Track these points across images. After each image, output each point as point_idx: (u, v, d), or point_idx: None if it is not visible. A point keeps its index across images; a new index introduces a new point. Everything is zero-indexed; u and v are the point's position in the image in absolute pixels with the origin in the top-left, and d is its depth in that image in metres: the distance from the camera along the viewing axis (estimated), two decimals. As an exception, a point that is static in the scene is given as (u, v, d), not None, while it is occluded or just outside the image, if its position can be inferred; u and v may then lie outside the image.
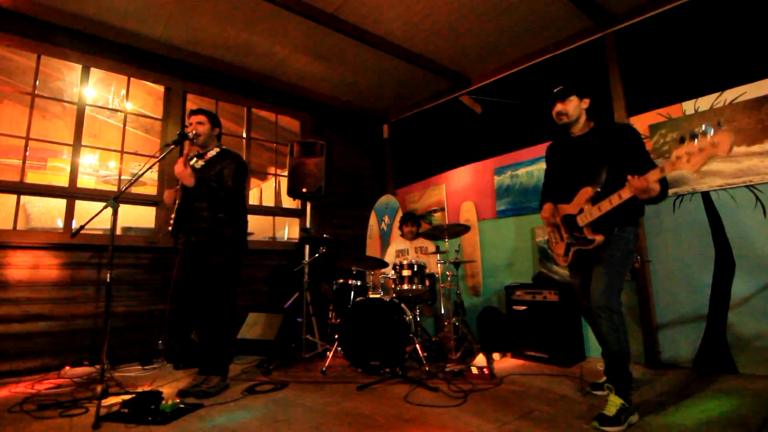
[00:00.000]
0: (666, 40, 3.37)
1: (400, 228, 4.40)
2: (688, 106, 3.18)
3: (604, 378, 2.34)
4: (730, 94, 2.99)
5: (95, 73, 3.95)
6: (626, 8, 3.55)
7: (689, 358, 2.99)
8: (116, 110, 5.32)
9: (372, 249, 5.24)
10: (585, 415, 2.12)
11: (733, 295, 2.86)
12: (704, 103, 3.11)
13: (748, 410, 2.11)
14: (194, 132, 2.79)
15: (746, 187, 2.87)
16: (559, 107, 2.31)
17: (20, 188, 3.44)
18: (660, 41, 3.40)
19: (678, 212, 3.15)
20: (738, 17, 3.03)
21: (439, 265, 3.71)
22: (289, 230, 6.31)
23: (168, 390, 2.62)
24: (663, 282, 3.19)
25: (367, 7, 3.58)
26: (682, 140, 3.07)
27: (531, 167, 4.09)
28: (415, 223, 4.36)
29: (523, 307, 3.50)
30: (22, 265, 3.25)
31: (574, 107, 2.29)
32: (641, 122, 3.40)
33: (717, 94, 3.05)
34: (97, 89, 5.11)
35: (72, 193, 3.59)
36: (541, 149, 4.04)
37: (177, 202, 2.74)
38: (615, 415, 1.95)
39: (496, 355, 3.54)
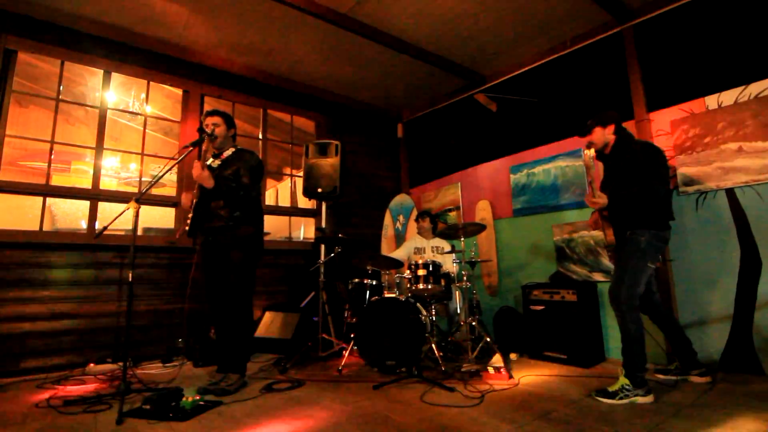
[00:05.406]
0: (687, 33, 3.28)
1: (416, 220, 4.37)
2: (711, 101, 3.09)
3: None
4: (755, 88, 2.90)
5: (116, 77, 4.04)
6: (645, 1, 3.47)
7: (714, 359, 2.91)
8: (136, 114, 5.43)
9: (387, 249, 5.23)
10: (604, 416, 2.09)
11: (760, 294, 2.77)
12: (728, 97, 3.02)
13: (777, 414, 2.05)
14: (212, 130, 2.84)
15: (773, 183, 2.77)
16: (587, 138, 2.77)
17: (46, 190, 3.54)
18: (680, 34, 3.31)
19: (701, 210, 3.06)
20: (762, 7, 2.93)
21: (455, 264, 3.69)
22: (305, 230, 6.35)
23: (188, 387, 2.66)
24: (686, 281, 3.12)
25: (380, 7, 3.58)
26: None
27: (548, 165, 4.03)
28: (431, 220, 4.34)
29: (541, 307, 3.46)
30: (48, 265, 3.35)
31: (598, 137, 2.70)
32: (662, 118, 3.32)
33: (741, 87, 2.96)
34: (117, 93, 5.23)
35: (95, 195, 3.69)
36: (558, 146, 3.99)
37: (194, 201, 2.79)
38: (613, 391, 2.30)
39: (513, 356, 3.51)
